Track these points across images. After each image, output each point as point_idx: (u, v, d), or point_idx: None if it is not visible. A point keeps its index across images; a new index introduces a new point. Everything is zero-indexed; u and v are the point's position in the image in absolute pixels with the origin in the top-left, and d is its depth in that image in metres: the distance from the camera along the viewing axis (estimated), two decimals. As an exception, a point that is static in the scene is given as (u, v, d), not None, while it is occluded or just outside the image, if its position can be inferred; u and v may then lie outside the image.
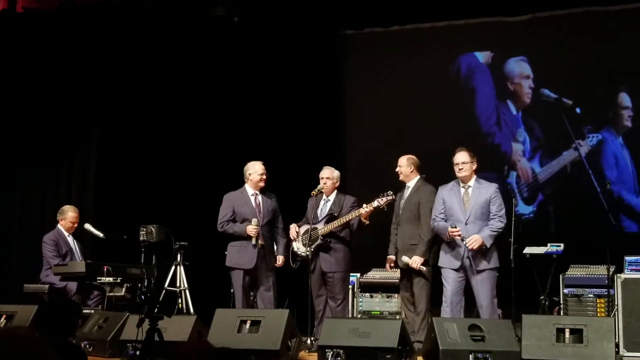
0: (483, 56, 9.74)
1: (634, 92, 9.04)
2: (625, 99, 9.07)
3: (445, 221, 6.81)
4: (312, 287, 7.35)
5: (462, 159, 6.80)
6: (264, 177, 7.52)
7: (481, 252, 6.65)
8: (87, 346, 6.63)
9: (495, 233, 6.67)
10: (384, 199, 7.01)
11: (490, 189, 6.82)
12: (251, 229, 7.30)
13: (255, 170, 7.52)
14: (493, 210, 6.74)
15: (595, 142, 9.11)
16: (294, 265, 7.48)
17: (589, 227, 8.72)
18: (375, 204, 7.04)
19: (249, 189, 7.53)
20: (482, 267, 6.67)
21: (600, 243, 7.36)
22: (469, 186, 6.82)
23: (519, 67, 9.57)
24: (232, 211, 7.45)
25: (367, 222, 7.22)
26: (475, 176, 6.88)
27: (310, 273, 7.33)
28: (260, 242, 7.35)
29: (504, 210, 6.79)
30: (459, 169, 6.80)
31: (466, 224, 6.69)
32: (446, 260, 6.78)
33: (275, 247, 7.58)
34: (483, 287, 6.67)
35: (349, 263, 7.44)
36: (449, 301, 6.70)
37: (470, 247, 6.58)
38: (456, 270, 6.71)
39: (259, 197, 7.54)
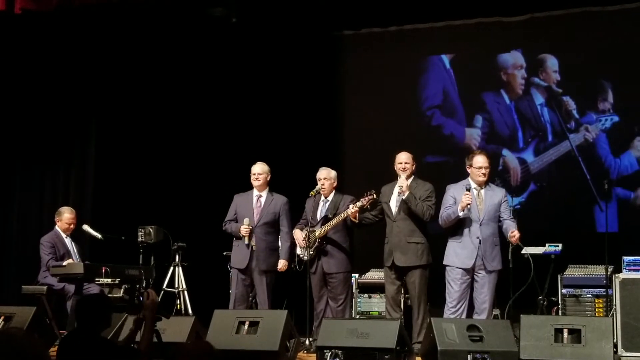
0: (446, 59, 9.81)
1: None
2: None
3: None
4: (313, 288, 7.36)
5: (485, 164, 6.87)
6: (256, 176, 7.59)
7: (492, 253, 6.75)
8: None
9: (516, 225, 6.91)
10: (367, 199, 7.05)
11: (500, 193, 6.98)
12: (242, 228, 7.42)
13: (251, 171, 7.63)
14: (505, 215, 6.88)
15: (609, 124, 9.06)
16: (299, 269, 7.48)
17: (586, 226, 8.80)
18: (359, 203, 7.08)
19: (254, 190, 7.64)
20: (492, 267, 6.76)
21: (597, 243, 7.42)
22: (481, 188, 6.86)
23: (512, 58, 9.56)
24: (235, 211, 7.63)
25: (357, 221, 7.21)
26: None
27: (310, 274, 7.33)
28: (252, 242, 7.39)
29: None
30: (482, 174, 6.84)
31: (480, 225, 6.76)
32: (457, 259, 6.79)
33: (275, 251, 7.60)
34: (489, 288, 6.75)
35: (351, 264, 7.45)
36: (456, 302, 6.72)
37: (514, 240, 6.77)
38: (465, 270, 6.73)
39: (262, 199, 7.59)
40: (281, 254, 7.55)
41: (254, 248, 7.43)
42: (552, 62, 9.39)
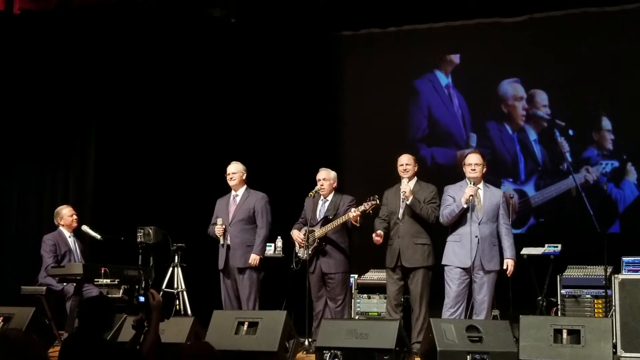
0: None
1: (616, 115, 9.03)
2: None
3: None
4: (311, 288, 7.36)
5: (475, 160, 6.90)
6: (231, 176, 7.64)
7: (490, 253, 6.78)
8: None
9: (513, 246, 6.89)
10: (369, 204, 7.04)
11: (498, 194, 7.00)
12: (216, 228, 7.52)
13: (226, 172, 7.69)
14: (503, 220, 6.89)
15: (609, 169, 8.96)
16: (296, 268, 7.48)
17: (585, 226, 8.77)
18: (361, 208, 7.08)
19: (232, 190, 7.70)
20: (491, 267, 6.78)
21: (597, 244, 7.42)
22: (479, 188, 6.88)
23: (512, 89, 9.50)
24: (216, 215, 7.70)
25: (358, 225, 7.21)
26: (482, 179, 6.98)
27: (309, 274, 7.33)
28: (227, 241, 7.44)
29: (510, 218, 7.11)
30: (472, 169, 6.88)
31: (479, 224, 6.78)
32: (456, 259, 6.81)
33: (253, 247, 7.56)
34: (488, 288, 6.76)
35: (349, 264, 7.44)
36: (454, 302, 6.73)
37: (508, 272, 6.82)
38: (464, 269, 6.74)
39: (238, 197, 7.64)
40: (254, 249, 7.49)
41: (229, 246, 7.46)
42: (541, 97, 9.34)
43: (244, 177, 7.69)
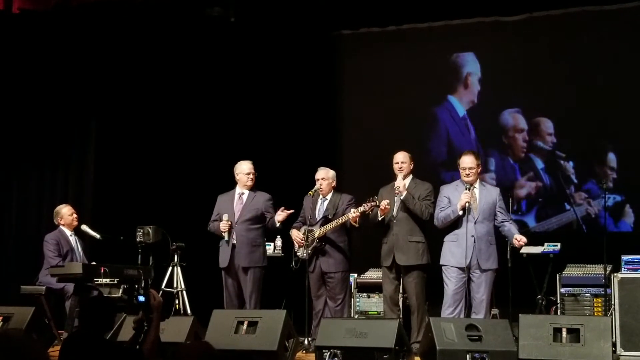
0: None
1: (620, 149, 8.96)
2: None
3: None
4: (311, 287, 7.36)
5: (469, 165, 6.88)
6: (251, 176, 7.59)
7: (487, 252, 6.77)
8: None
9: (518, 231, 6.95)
10: (369, 205, 7.03)
11: (494, 192, 6.99)
12: (221, 224, 7.47)
13: (241, 170, 7.63)
14: (503, 217, 6.91)
15: (611, 202, 8.81)
16: (296, 267, 7.48)
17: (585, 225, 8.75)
18: (361, 209, 7.07)
19: (238, 188, 7.65)
20: (487, 266, 6.78)
21: (596, 242, 7.42)
22: (474, 187, 6.87)
23: (513, 120, 9.46)
24: (218, 211, 7.65)
25: (357, 225, 7.20)
26: (478, 178, 6.97)
27: (309, 273, 7.33)
28: (233, 239, 7.41)
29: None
30: (466, 174, 6.86)
31: (475, 223, 6.78)
32: (453, 258, 6.81)
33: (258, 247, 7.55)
34: (486, 287, 6.76)
35: (349, 263, 7.44)
36: (453, 301, 6.74)
37: (520, 244, 6.82)
38: (461, 269, 6.74)
39: (244, 196, 7.61)
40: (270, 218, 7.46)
41: (235, 245, 7.43)
42: (547, 125, 9.28)
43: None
